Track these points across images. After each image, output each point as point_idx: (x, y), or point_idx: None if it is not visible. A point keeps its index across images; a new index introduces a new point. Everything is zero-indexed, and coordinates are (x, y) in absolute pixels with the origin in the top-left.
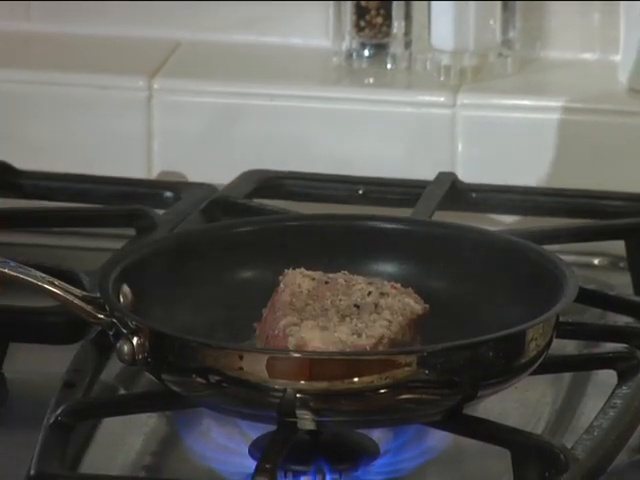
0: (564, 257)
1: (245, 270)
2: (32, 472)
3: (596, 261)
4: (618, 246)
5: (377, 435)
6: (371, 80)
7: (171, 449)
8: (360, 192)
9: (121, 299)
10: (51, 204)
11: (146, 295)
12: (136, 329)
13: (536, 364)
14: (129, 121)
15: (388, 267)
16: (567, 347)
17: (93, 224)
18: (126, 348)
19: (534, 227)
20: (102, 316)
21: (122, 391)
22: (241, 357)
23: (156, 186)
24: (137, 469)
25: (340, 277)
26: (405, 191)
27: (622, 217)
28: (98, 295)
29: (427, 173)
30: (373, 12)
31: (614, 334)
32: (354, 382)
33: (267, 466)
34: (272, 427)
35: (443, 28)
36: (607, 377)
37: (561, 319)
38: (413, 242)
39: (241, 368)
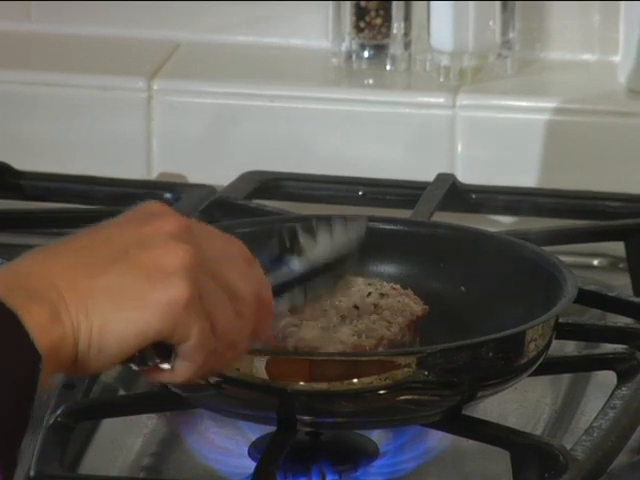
0: (564, 258)
1: None
2: (32, 473)
3: (596, 262)
4: (618, 247)
5: (377, 436)
6: (371, 81)
7: (170, 450)
8: (360, 193)
9: None
10: (50, 205)
11: None
12: None
13: (536, 365)
14: (129, 122)
15: (387, 268)
16: (567, 348)
17: (92, 225)
18: None
19: (534, 228)
20: None
21: (122, 392)
22: (240, 358)
23: (155, 187)
24: (137, 470)
25: None
26: (404, 192)
27: (622, 218)
28: None
29: (426, 174)
30: (372, 13)
31: (614, 335)
32: (354, 383)
33: (267, 467)
34: (272, 428)
35: (442, 29)
36: (607, 378)
37: (561, 320)
38: (412, 243)
39: (240, 369)
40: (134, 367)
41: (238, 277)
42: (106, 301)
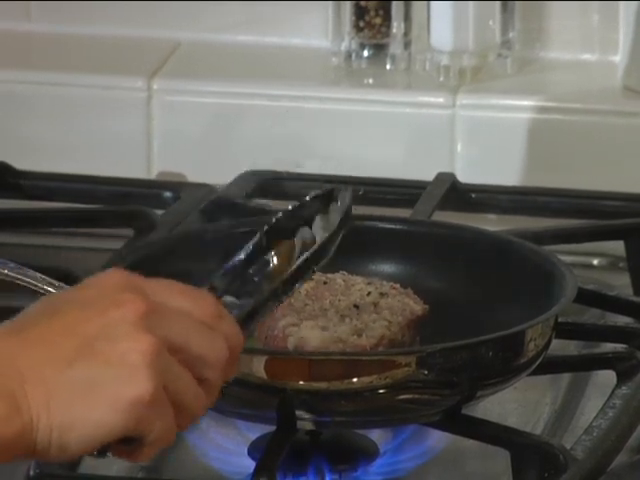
0: (563, 257)
1: None
2: (32, 472)
3: (595, 261)
4: (617, 246)
5: (376, 435)
6: (370, 80)
7: (170, 449)
8: (360, 192)
9: None
10: (50, 204)
11: None
12: None
13: (535, 364)
14: (129, 121)
15: (387, 267)
16: (566, 347)
17: (92, 224)
18: None
19: (533, 227)
20: None
21: None
22: (240, 357)
23: (155, 186)
24: (136, 469)
25: (339, 277)
26: (404, 191)
27: (621, 217)
28: None
29: (426, 173)
30: (372, 12)
31: (613, 334)
32: (353, 382)
33: (266, 466)
34: (272, 428)
35: (442, 28)
36: (606, 377)
37: (560, 319)
38: (412, 242)
39: (240, 368)
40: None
41: (205, 345)
42: (69, 399)
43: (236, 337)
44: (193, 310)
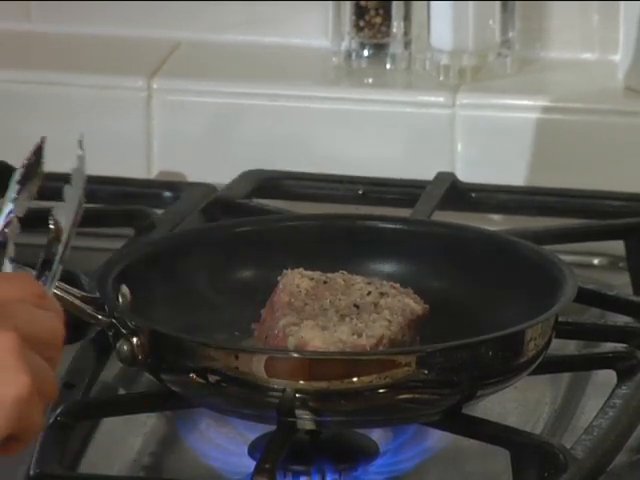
0: (564, 257)
1: (244, 270)
2: (32, 472)
3: (595, 261)
4: (617, 246)
5: (376, 435)
6: (370, 80)
7: (170, 449)
8: (360, 192)
9: (120, 299)
10: (51, 205)
11: (145, 295)
12: (135, 329)
13: (535, 364)
14: (129, 121)
15: (387, 267)
16: (567, 347)
17: (92, 224)
18: (125, 348)
19: (534, 227)
20: (101, 316)
21: (121, 391)
22: (240, 357)
23: (155, 186)
24: (136, 469)
25: (339, 277)
26: (404, 191)
27: (622, 217)
28: (97, 295)
29: (426, 173)
30: (372, 12)
31: (613, 334)
32: (353, 382)
33: (267, 466)
34: (272, 427)
35: (442, 28)
36: (606, 377)
37: (560, 319)
38: (412, 242)
39: (240, 368)
40: None
41: (45, 327)
42: None
43: (61, 312)
44: (23, 295)
